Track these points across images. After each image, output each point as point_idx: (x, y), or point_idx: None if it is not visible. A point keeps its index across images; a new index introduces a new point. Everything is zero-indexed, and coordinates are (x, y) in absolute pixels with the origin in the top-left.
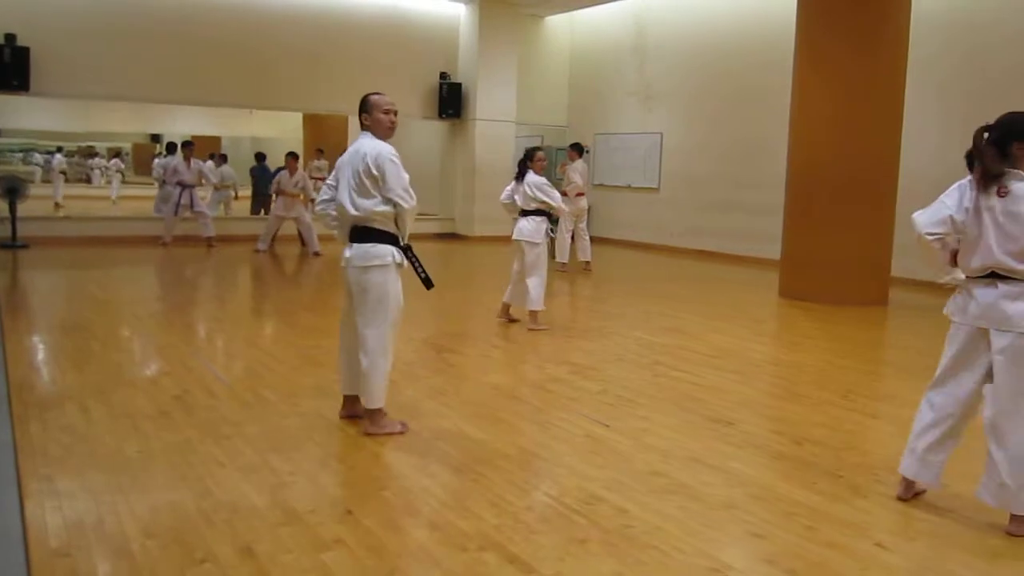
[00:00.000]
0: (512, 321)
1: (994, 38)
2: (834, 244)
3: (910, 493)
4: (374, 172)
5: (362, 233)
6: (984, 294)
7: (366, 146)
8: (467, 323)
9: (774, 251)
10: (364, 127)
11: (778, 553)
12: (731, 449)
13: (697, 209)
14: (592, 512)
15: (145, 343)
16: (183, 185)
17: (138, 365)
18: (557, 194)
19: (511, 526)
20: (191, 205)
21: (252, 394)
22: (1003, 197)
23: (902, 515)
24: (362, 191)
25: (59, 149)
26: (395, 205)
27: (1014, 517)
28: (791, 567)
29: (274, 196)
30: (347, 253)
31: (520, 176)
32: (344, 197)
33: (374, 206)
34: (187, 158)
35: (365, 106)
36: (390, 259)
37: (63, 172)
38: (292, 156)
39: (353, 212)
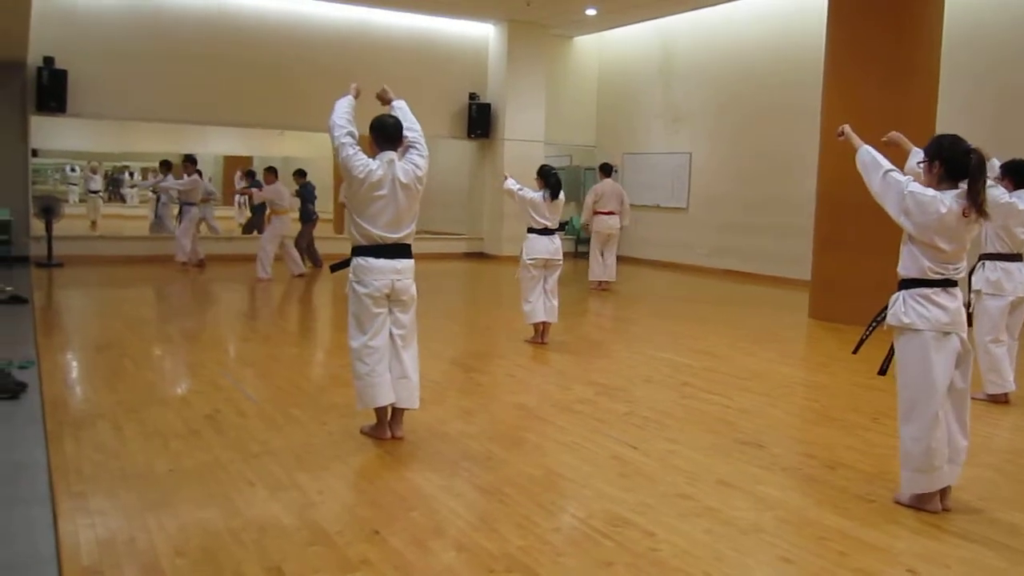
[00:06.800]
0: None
1: None
2: (865, 265)
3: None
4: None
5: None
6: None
7: None
8: (494, 343)
9: (803, 272)
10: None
11: None
12: (760, 472)
13: (725, 229)
14: (619, 535)
15: (176, 362)
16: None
17: (169, 384)
18: None
19: (538, 548)
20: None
21: (281, 413)
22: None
23: (935, 541)
24: None
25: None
26: None
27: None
28: None
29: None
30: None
31: (556, 194)
32: None
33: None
34: (189, 172)
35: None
36: None
37: (97, 191)
38: (270, 171)
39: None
